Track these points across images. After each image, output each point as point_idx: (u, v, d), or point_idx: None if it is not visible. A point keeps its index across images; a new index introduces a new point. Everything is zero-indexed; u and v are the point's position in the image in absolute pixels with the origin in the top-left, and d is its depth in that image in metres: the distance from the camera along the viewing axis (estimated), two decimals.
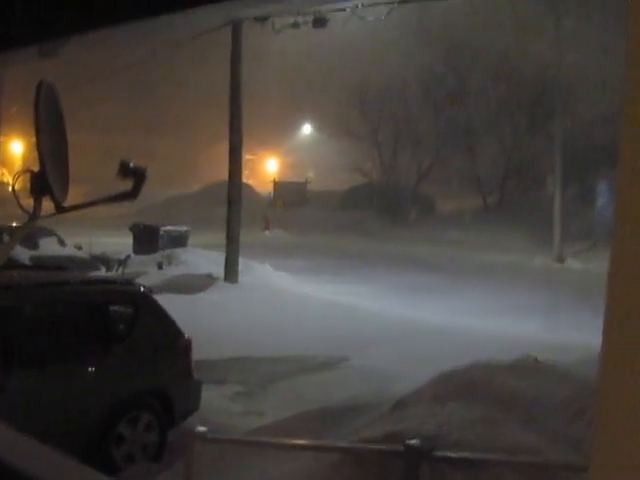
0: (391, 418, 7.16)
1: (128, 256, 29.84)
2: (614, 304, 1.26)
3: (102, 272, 26.15)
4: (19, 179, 2.35)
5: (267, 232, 54.06)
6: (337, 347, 16.02)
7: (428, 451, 5.32)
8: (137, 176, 2.28)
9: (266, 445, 7.49)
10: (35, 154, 2.23)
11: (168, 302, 11.56)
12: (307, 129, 78.16)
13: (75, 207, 2.35)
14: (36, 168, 2.24)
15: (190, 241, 35.67)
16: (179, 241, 34.57)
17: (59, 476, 1.83)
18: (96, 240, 31.76)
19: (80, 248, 29.60)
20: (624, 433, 1.27)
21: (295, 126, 76.80)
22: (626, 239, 1.26)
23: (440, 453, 5.45)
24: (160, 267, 28.01)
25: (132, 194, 2.31)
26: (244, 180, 30.91)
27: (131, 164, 2.30)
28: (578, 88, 44.65)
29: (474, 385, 7.61)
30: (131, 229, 35.82)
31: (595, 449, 1.35)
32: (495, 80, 53.05)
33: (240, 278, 25.19)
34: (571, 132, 43.65)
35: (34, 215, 2.30)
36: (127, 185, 2.30)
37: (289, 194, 66.61)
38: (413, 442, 5.40)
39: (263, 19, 23.87)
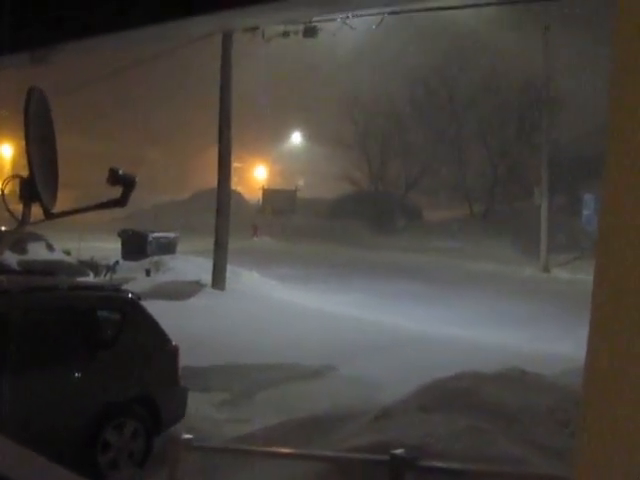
0: (377, 427, 7.16)
1: (116, 262, 29.77)
2: (599, 315, 1.28)
3: (90, 278, 26.06)
4: (8, 184, 2.35)
5: (255, 239, 54.00)
6: (324, 355, 16.01)
7: (413, 461, 5.32)
8: (126, 184, 2.29)
9: (252, 453, 7.48)
10: (25, 159, 2.23)
11: (156, 308, 11.56)
12: (297, 137, 78.30)
13: (64, 213, 2.35)
14: (25, 173, 2.24)
15: (179, 247, 35.63)
16: (168, 248, 34.51)
17: (37, 478, 1.83)
18: (85, 245, 31.67)
19: (69, 253, 29.51)
20: (608, 443, 1.28)
21: (284, 134, 76.92)
22: (610, 251, 1.27)
23: (425, 463, 5.46)
24: (148, 273, 27.97)
25: (121, 201, 2.31)
26: (233, 187, 30.90)
27: (120, 171, 2.30)
28: (566, 100, 44.92)
29: (460, 395, 7.63)
30: (120, 235, 35.75)
31: (579, 459, 1.36)
32: (484, 91, 53.29)
33: (228, 285, 25.17)
34: (558, 143, 43.86)
35: (23, 221, 2.30)
36: (117, 191, 2.31)
37: (278, 202, 66.58)
38: (398, 452, 5.40)
39: (253, 28, 23.90)
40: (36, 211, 2.34)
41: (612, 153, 1.22)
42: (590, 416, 1.32)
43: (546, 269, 40.28)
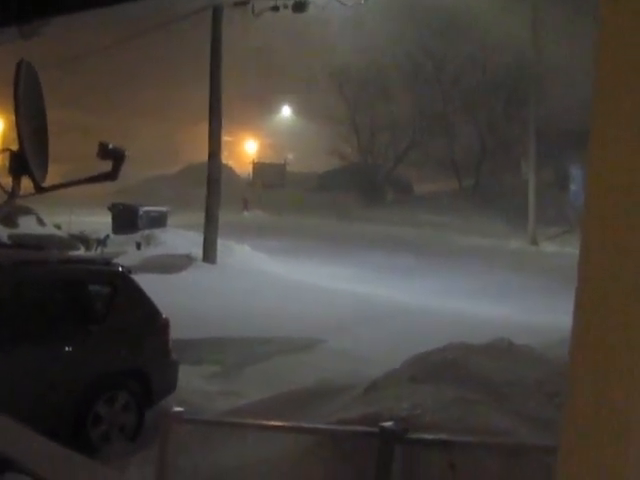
0: (366, 400, 7.20)
1: (107, 236, 29.75)
2: (584, 287, 1.30)
3: (81, 251, 26.03)
4: None
5: (246, 213, 54.00)
6: (315, 329, 16.04)
7: (402, 433, 5.37)
8: (116, 157, 2.30)
9: (242, 426, 7.52)
10: (15, 132, 2.24)
11: (146, 282, 11.55)
12: (286, 111, 78.16)
13: (54, 187, 2.36)
14: (15, 147, 2.25)
15: (169, 221, 35.61)
16: (158, 221, 34.50)
17: (35, 456, 1.85)
18: (76, 219, 31.61)
19: (59, 227, 29.46)
20: (593, 413, 1.31)
21: (275, 108, 76.86)
22: (596, 225, 1.30)
23: (414, 435, 5.50)
24: (139, 247, 27.96)
25: (112, 175, 2.33)
26: (223, 161, 30.84)
27: (110, 145, 2.31)
28: (554, 74, 44.88)
29: (448, 367, 7.67)
30: (110, 209, 35.72)
31: (565, 429, 1.39)
32: (472, 66, 53.24)
33: (219, 259, 25.18)
34: (546, 118, 43.85)
35: (13, 194, 2.31)
36: (108, 165, 2.32)
37: (268, 175, 66.61)
38: (387, 424, 5.45)
39: (243, 2, 23.81)
40: (27, 185, 2.34)
41: (596, 127, 1.24)
42: (576, 386, 1.34)
43: (534, 242, 40.43)
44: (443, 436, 5.75)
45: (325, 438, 6.41)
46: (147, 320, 10.48)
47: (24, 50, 2.43)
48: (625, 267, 1.22)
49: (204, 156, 26.79)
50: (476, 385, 7.12)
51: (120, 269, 10.82)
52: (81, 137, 53.67)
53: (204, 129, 26.48)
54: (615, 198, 1.25)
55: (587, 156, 1.26)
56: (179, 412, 6.58)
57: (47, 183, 2.33)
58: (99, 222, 33.86)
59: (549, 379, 7.04)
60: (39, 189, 2.30)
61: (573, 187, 45.57)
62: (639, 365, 1.26)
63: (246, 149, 76.31)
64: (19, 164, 2.23)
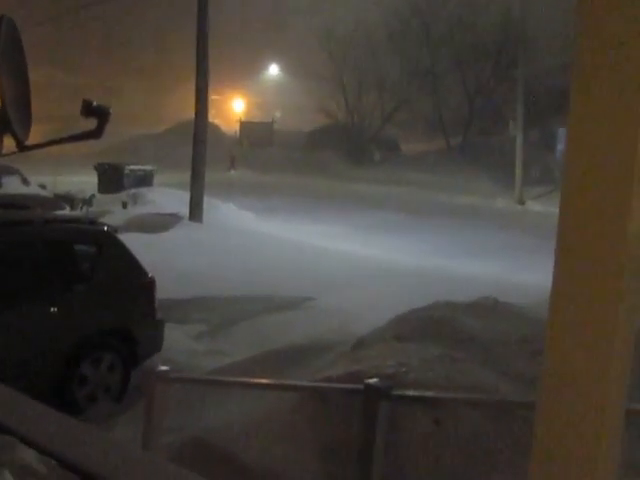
0: (352, 357, 7.23)
1: (92, 195, 29.68)
2: (563, 244, 1.31)
3: (66, 211, 25.94)
4: None
5: (233, 171, 53.92)
6: (302, 287, 16.08)
7: (387, 390, 5.40)
8: (101, 115, 2.28)
9: (228, 384, 7.54)
10: None
11: (132, 241, 11.54)
12: (274, 70, 77.83)
13: (38, 146, 2.34)
14: None
15: (156, 180, 35.51)
16: (144, 180, 34.42)
17: (20, 416, 1.85)
18: (61, 179, 31.49)
19: (44, 187, 29.35)
20: (570, 366, 1.33)
21: (262, 67, 76.56)
22: (575, 184, 1.31)
23: (399, 392, 5.54)
24: (125, 206, 27.89)
25: (96, 133, 2.31)
26: (210, 120, 30.69)
27: (94, 103, 2.29)
28: (542, 34, 44.76)
29: (434, 325, 7.70)
30: (96, 168, 35.59)
31: (544, 382, 1.41)
32: (460, 26, 53.02)
33: (205, 217, 25.15)
34: (534, 78, 43.81)
35: None
36: (92, 124, 2.30)
37: (255, 134, 66.40)
38: (372, 381, 5.48)
39: None
40: (9, 144, 2.33)
41: (577, 89, 1.25)
42: (554, 339, 1.36)
43: (520, 202, 40.61)
44: (428, 393, 5.80)
45: (310, 395, 6.45)
46: (133, 279, 10.47)
47: (8, 7, 2.40)
48: (599, 228, 1.24)
49: (191, 114, 26.66)
50: (461, 343, 7.16)
51: (105, 228, 10.78)
52: (66, 96, 53.26)
53: (191, 88, 26.32)
54: (593, 157, 1.27)
55: (568, 115, 1.27)
56: (165, 371, 6.59)
57: (30, 142, 2.32)
58: (85, 182, 33.75)
59: (534, 337, 7.08)
60: (22, 147, 2.28)
61: (560, 147, 45.64)
62: (612, 318, 1.28)
63: (234, 107, 75.96)
64: (1, 122, 2.21)
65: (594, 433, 1.34)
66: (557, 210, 1.39)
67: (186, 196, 26.21)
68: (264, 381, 6.96)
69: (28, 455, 1.60)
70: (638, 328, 1.43)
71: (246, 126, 69.21)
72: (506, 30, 47.98)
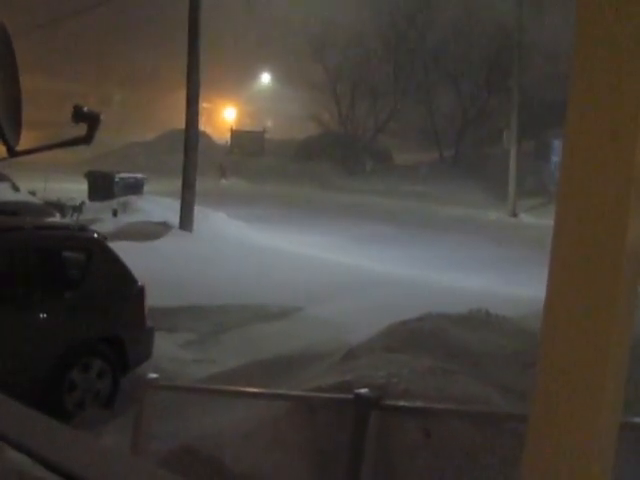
0: (343, 368, 7.22)
1: (82, 202, 29.62)
2: (558, 257, 1.30)
3: (56, 218, 25.88)
4: None
5: (224, 180, 53.93)
6: (292, 297, 16.07)
7: (377, 400, 5.39)
8: (91, 121, 2.27)
9: (217, 392, 7.53)
10: None
11: (122, 249, 11.52)
12: (266, 78, 77.91)
13: (28, 151, 2.33)
14: None
15: (146, 188, 35.49)
16: (135, 188, 34.37)
17: (9, 420, 1.84)
18: (51, 186, 31.47)
19: (34, 194, 29.28)
20: (565, 380, 1.32)
21: (254, 75, 76.61)
22: (570, 198, 1.30)
23: (389, 402, 5.53)
24: (115, 214, 27.83)
25: (86, 138, 2.30)
26: (201, 128, 30.68)
27: (85, 109, 2.28)
28: (537, 45, 44.87)
29: (425, 336, 7.70)
30: (86, 176, 35.56)
31: (537, 395, 1.39)
32: (455, 35, 53.13)
33: (195, 226, 25.12)
34: (528, 88, 43.89)
35: None
36: (84, 131, 2.29)
37: (246, 143, 66.43)
38: (362, 391, 5.47)
39: None
40: (0, 150, 2.31)
41: (574, 100, 1.24)
42: (548, 354, 1.35)
43: (513, 214, 40.62)
44: (418, 403, 5.78)
45: (300, 405, 6.43)
46: (123, 287, 10.44)
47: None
48: (595, 241, 1.23)
49: (182, 123, 26.64)
50: (452, 355, 7.16)
51: (95, 235, 10.75)
52: (58, 104, 53.32)
53: (182, 96, 26.31)
54: (589, 170, 1.26)
55: (564, 127, 1.26)
56: (154, 379, 6.57)
57: (21, 148, 2.30)
58: (75, 189, 33.70)
59: (525, 349, 7.08)
60: (12, 153, 2.27)
61: (555, 158, 45.73)
62: (608, 331, 1.27)
63: (225, 116, 76.01)
64: None
65: (588, 446, 1.32)
66: (551, 222, 1.38)
67: (177, 204, 26.17)
68: (253, 390, 6.93)
69: (17, 459, 1.59)
70: (634, 341, 1.43)
71: (237, 135, 69.24)
72: (501, 41, 48.05)
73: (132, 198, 30.62)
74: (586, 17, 1.18)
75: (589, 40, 1.18)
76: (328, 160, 57.49)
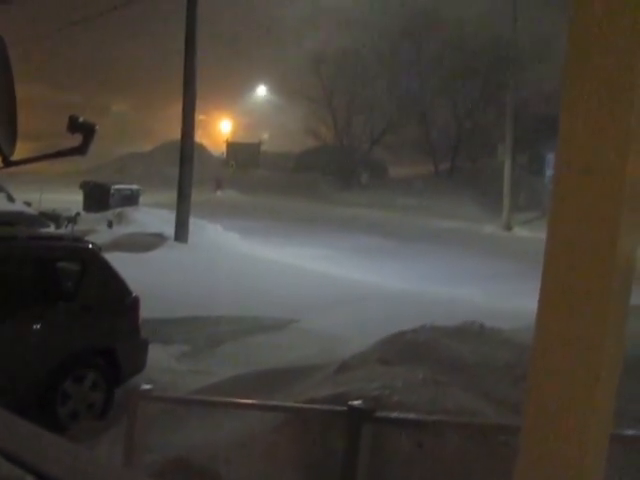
0: (337, 380, 7.22)
1: (78, 213, 29.58)
2: (550, 273, 1.31)
3: (51, 229, 25.85)
4: None
5: (219, 192, 53.94)
6: (286, 309, 16.07)
7: (370, 412, 5.39)
8: (86, 131, 2.27)
9: (211, 404, 7.52)
10: None
11: (117, 260, 11.50)
12: (262, 91, 77.97)
13: (24, 161, 2.33)
14: None
15: (142, 200, 35.49)
16: (130, 199, 34.40)
17: (2, 433, 1.84)
18: (46, 197, 31.44)
19: (29, 204, 29.25)
20: (555, 394, 1.32)
21: (250, 88, 76.68)
22: (563, 215, 1.31)
23: (382, 414, 5.53)
24: (110, 225, 27.83)
25: (81, 149, 2.30)
26: (197, 140, 30.70)
27: (81, 119, 2.28)
28: (532, 59, 44.99)
29: (419, 348, 7.70)
30: (82, 187, 35.57)
31: (529, 408, 1.40)
32: (450, 49, 53.25)
33: (190, 238, 25.11)
34: (523, 102, 43.99)
35: None
36: (78, 142, 2.29)
37: (242, 155, 66.50)
38: (356, 403, 5.47)
39: None
40: None
41: (566, 113, 1.25)
42: (539, 368, 1.35)
43: (508, 227, 40.64)
44: (411, 415, 5.78)
45: (294, 417, 6.43)
46: (117, 298, 10.43)
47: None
48: (586, 254, 1.24)
49: (177, 134, 26.65)
50: (446, 367, 7.16)
51: (90, 246, 10.75)
52: (54, 114, 53.31)
53: (179, 107, 26.34)
54: (582, 184, 1.27)
55: (557, 141, 1.27)
56: (147, 390, 6.57)
57: (16, 158, 2.30)
58: (70, 200, 33.68)
59: (518, 362, 7.08)
60: (7, 163, 2.27)
61: (549, 172, 45.79)
62: (599, 344, 1.28)
63: (221, 128, 76.09)
64: None
65: (579, 458, 1.33)
66: (543, 236, 1.38)
67: (171, 216, 26.17)
68: (246, 401, 6.93)
69: (10, 470, 1.59)
70: (625, 352, 1.44)
71: (233, 147, 69.31)
72: (496, 54, 48.12)
73: (127, 209, 30.64)
74: (579, 25, 1.19)
75: (581, 50, 1.19)
76: (323, 173, 57.54)
